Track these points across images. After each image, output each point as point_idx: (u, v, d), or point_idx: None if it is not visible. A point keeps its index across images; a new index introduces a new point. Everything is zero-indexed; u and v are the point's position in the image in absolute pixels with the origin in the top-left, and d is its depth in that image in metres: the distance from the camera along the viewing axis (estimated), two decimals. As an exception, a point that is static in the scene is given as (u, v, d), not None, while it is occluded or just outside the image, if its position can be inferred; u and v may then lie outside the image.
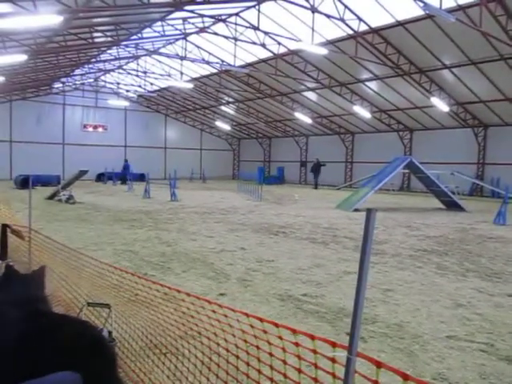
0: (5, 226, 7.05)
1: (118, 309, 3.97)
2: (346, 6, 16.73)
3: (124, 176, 30.71)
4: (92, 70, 29.24)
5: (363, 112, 26.29)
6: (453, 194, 17.98)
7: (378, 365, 1.49)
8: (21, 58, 15.91)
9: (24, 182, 22.54)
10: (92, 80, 34.06)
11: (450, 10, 14.68)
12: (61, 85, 33.24)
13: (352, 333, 1.52)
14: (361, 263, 1.44)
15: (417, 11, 15.71)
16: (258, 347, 2.17)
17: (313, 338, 1.79)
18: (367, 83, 23.74)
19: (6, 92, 29.84)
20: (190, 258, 7.71)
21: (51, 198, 18.39)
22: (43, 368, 2.34)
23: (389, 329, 4.48)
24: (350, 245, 9.24)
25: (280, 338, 1.99)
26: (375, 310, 4.95)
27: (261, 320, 2.09)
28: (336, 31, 18.81)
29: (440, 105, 22.32)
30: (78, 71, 28.60)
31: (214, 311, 2.51)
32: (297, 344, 1.88)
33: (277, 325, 1.99)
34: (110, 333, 3.93)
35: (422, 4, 13.09)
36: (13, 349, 2.43)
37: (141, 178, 30.26)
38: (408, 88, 22.47)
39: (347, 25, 17.72)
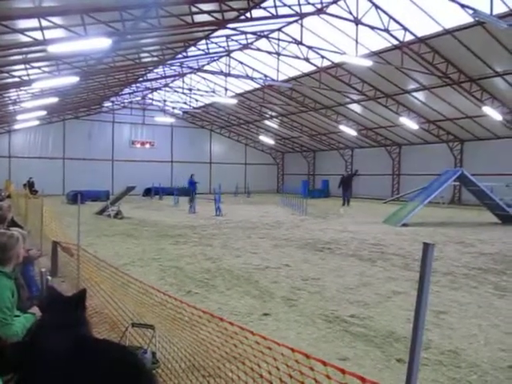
0: (55, 243, 7.28)
1: (160, 328, 3.94)
2: (390, 17, 16.43)
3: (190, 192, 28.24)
4: (139, 89, 30.24)
5: (410, 123, 25.60)
6: (508, 207, 16.99)
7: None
8: (73, 79, 16.62)
9: (75, 198, 23.41)
10: (139, 98, 35.17)
11: (502, 16, 14.10)
12: (110, 103, 34.62)
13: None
14: (418, 305, 1.30)
15: (465, 18, 15.16)
16: (290, 376, 2.11)
17: (343, 372, 1.75)
18: (414, 94, 23.11)
19: (59, 112, 31.33)
20: (234, 276, 7.64)
21: (100, 213, 18.91)
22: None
23: (443, 356, 4.20)
24: (398, 262, 8.88)
25: (311, 369, 1.93)
26: (428, 335, 4.62)
27: (292, 350, 2.06)
28: (380, 42, 18.50)
29: (493, 114, 21.38)
30: (126, 90, 29.65)
31: (246, 337, 2.46)
32: (328, 377, 1.83)
33: (307, 356, 1.96)
34: (153, 354, 3.90)
35: (471, 11, 12.64)
36: (55, 375, 2.41)
37: (186, 192, 30.57)
38: (458, 97, 21.67)
39: (392, 35, 17.39)
